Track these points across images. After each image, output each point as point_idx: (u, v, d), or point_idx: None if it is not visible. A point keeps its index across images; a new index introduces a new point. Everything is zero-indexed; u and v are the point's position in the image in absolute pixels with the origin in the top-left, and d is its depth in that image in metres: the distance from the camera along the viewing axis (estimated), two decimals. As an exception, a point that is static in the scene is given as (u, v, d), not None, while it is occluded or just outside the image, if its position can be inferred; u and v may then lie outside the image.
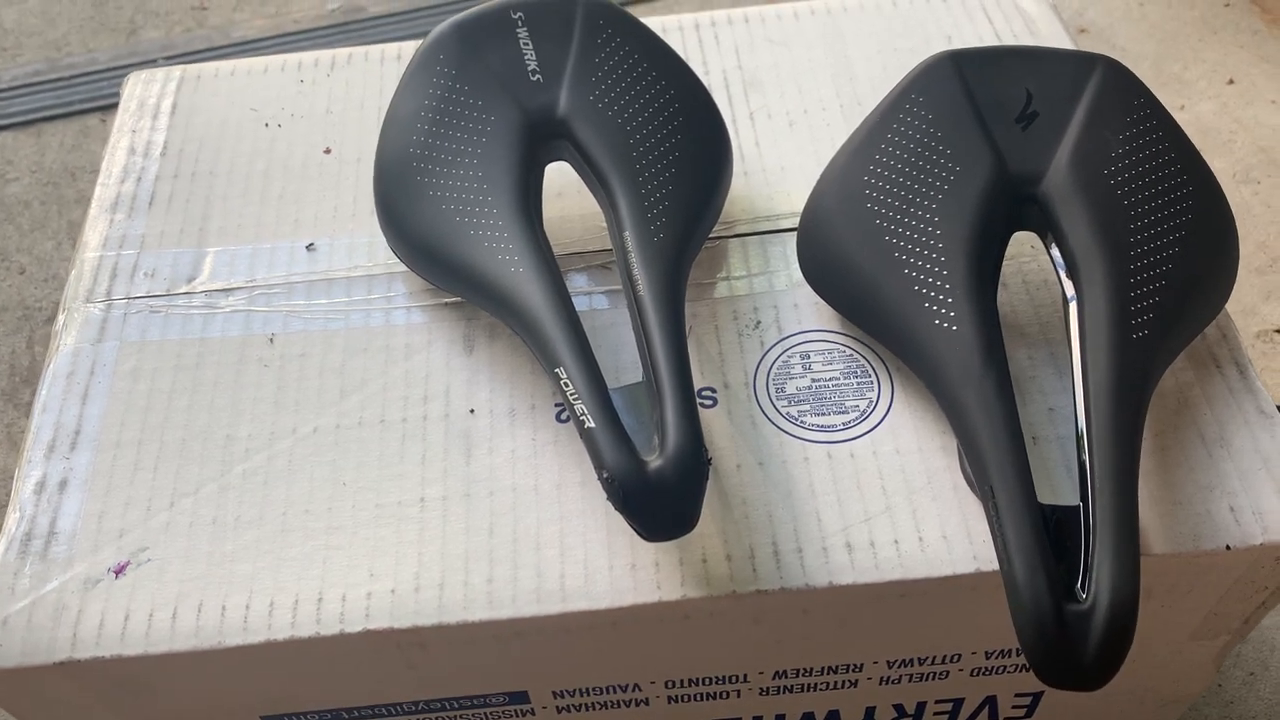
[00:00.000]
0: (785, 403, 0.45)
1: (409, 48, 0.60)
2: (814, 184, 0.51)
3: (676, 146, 0.47)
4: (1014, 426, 0.39)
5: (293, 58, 0.60)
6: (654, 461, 0.39)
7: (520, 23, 0.49)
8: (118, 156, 0.56)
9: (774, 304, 0.48)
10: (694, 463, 0.39)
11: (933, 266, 0.43)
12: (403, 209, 0.47)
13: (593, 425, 0.39)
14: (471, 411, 0.46)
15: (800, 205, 0.51)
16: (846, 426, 0.44)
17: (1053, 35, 0.58)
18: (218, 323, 0.49)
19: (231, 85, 0.58)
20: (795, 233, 0.50)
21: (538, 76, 0.48)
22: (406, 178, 0.47)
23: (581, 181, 0.48)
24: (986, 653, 0.46)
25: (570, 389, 0.40)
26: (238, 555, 0.42)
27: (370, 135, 0.56)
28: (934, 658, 0.47)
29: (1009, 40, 0.58)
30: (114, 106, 1.15)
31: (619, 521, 0.42)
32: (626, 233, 0.44)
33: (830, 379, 0.46)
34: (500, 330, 0.48)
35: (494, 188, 0.45)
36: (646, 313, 0.42)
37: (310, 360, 0.48)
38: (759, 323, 0.48)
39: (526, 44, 0.48)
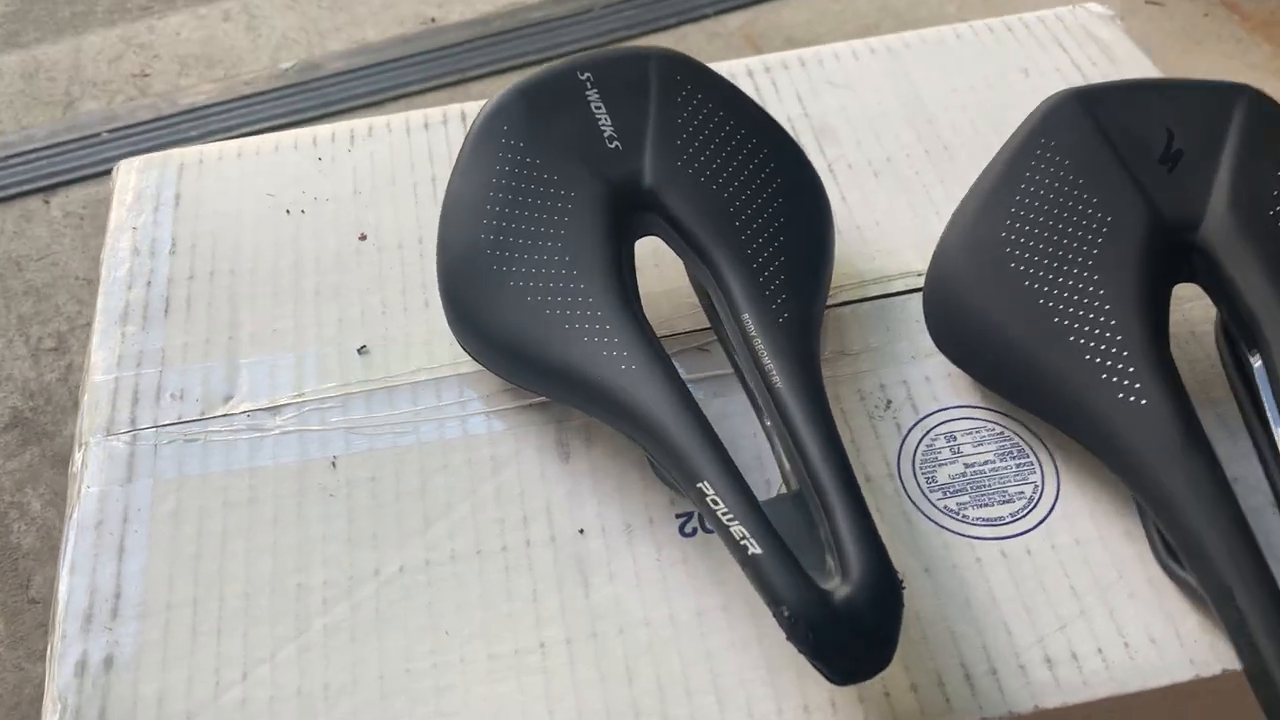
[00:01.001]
0: (940, 494, 0.40)
1: (436, 114, 0.54)
2: (925, 240, 0.46)
3: (781, 211, 0.42)
4: (1236, 511, 0.35)
5: (305, 133, 0.53)
6: (838, 589, 0.33)
7: (590, 84, 0.43)
8: (120, 257, 0.48)
9: (902, 379, 0.43)
10: (888, 586, 0.33)
11: (1103, 332, 0.38)
12: (477, 303, 0.41)
13: (758, 551, 0.33)
14: (581, 532, 0.40)
15: (909, 263, 0.46)
16: (1015, 518, 0.39)
17: (1133, 61, 0.54)
18: (267, 447, 0.42)
19: (240, 168, 0.52)
20: (911, 296, 0.45)
21: (616, 143, 0.42)
22: (479, 267, 0.40)
23: (661, 253, 0.42)
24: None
25: (721, 507, 0.34)
26: (333, 733, 0.36)
27: (407, 215, 0.49)
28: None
29: (1089, 69, 0.54)
30: (57, 186, 1.07)
31: (779, 653, 0.36)
32: (745, 315, 0.39)
33: (985, 463, 0.40)
34: (597, 432, 0.42)
35: (585, 273, 0.39)
36: (789, 410, 0.37)
37: (383, 484, 0.41)
38: (889, 402, 0.42)
39: (599, 107, 0.43)
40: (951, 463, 0.40)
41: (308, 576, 0.39)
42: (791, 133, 0.51)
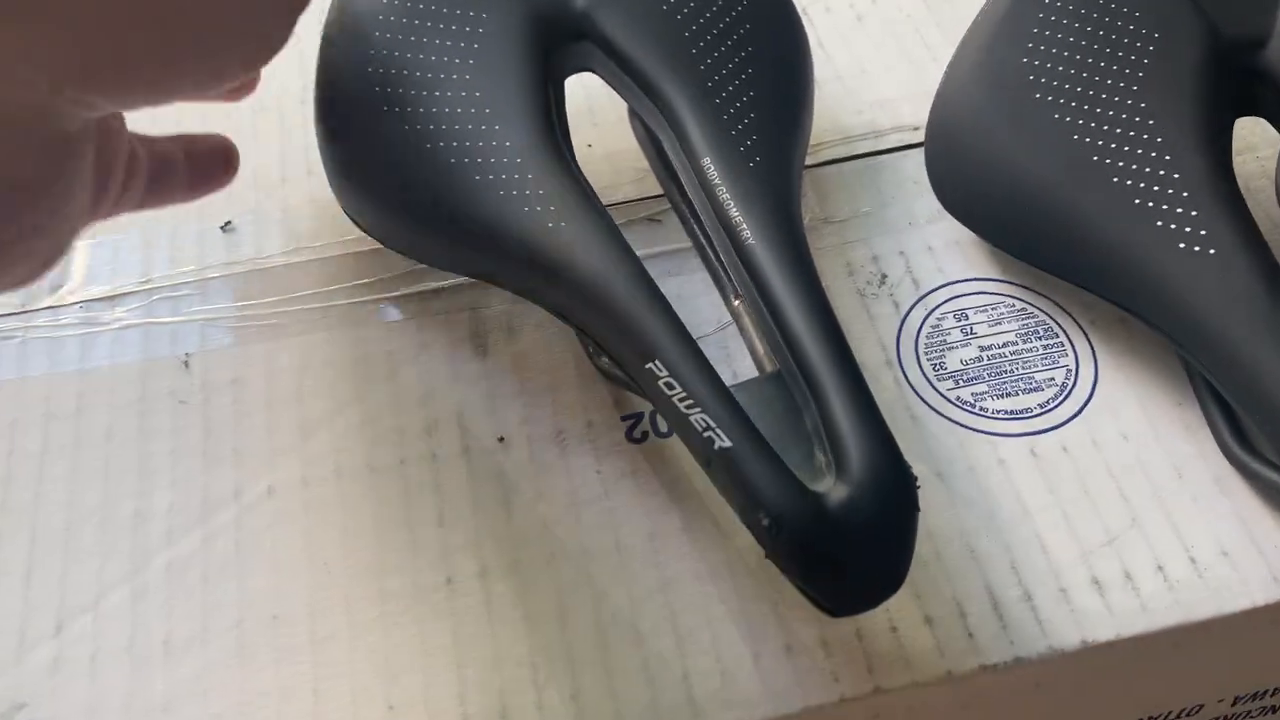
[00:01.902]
0: (951, 384, 0.32)
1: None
2: (921, 91, 0.38)
3: (748, 37, 0.33)
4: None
5: None
6: (832, 490, 0.25)
7: None
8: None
9: (899, 249, 0.35)
10: (897, 483, 0.25)
11: (1156, 169, 0.30)
12: (364, 156, 0.32)
13: (727, 444, 0.25)
14: (501, 440, 0.31)
15: (902, 116, 0.38)
16: (1045, 409, 0.31)
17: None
18: (103, 345, 0.33)
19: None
20: (907, 153, 0.37)
21: None
22: (367, 107, 0.32)
23: (600, 108, 0.33)
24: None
25: (677, 391, 0.26)
26: (174, 698, 0.27)
27: (292, 62, 0.40)
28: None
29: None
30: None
31: (755, 582, 0.28)
32: (707, 160, 0.30)
33: (1005, 344, 0.32)
34: (522, 320, 0.34)
35: (502, 112, 0.31)
36: (763, 271, 0.28)
37: (249, 388, 0.32)
38: (884, 277, 0.34)
39: None
40: (963, 345, 0.32)
41: (148, 502, 0.30)
42: (756, -25, 0.43)
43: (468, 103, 0.31)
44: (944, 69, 0.37)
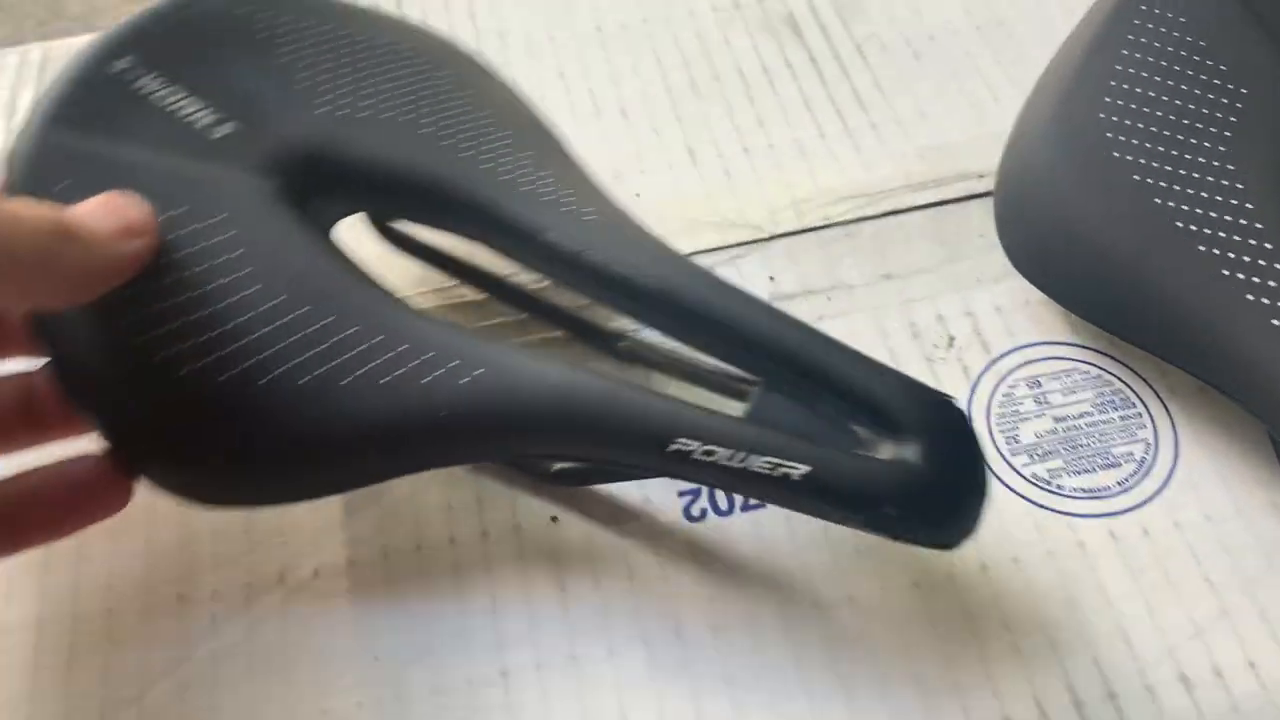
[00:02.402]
0: (1025, 459, 0.30)
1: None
2: (984, 134, 0.36)
3: (469, 102, 0.30)
4: None
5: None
6: (908, 451, 0.24)
7: (137, 71, 0.27)
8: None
9: (966, 309, 0.33)
10: (946, 415, 0.25)
11: (1246, 237, 0.28)
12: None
13: (805, 468, 0.24)
14: (554, 520, 0.30)
15: (965, 162, 0.36)
16: (1124, 488, 0.30)
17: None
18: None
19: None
20: (972, 203, 0.36)
21: (225, 125, 0.27)
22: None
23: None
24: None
25: (722, 453, 0.24)
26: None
27: None
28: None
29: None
30: None
31: (826, 678, 0.27)
32: (550, 234, 0.27)
33: (1081, 415, 0.31)
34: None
35: (310, 294, 0.25)
36: (687, 297, 0.26)
37: (293, 461, 0.31)
38: (951, 339, 0.33)
39: (170, 93, 0.27)
40: (1037, 417, 0.31)
41: (190, 587, 0.29)
42: (809, 8, 0.41)
43: (251, 307, 0.25)
44: (1006, 109, 0.35)
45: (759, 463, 0.24)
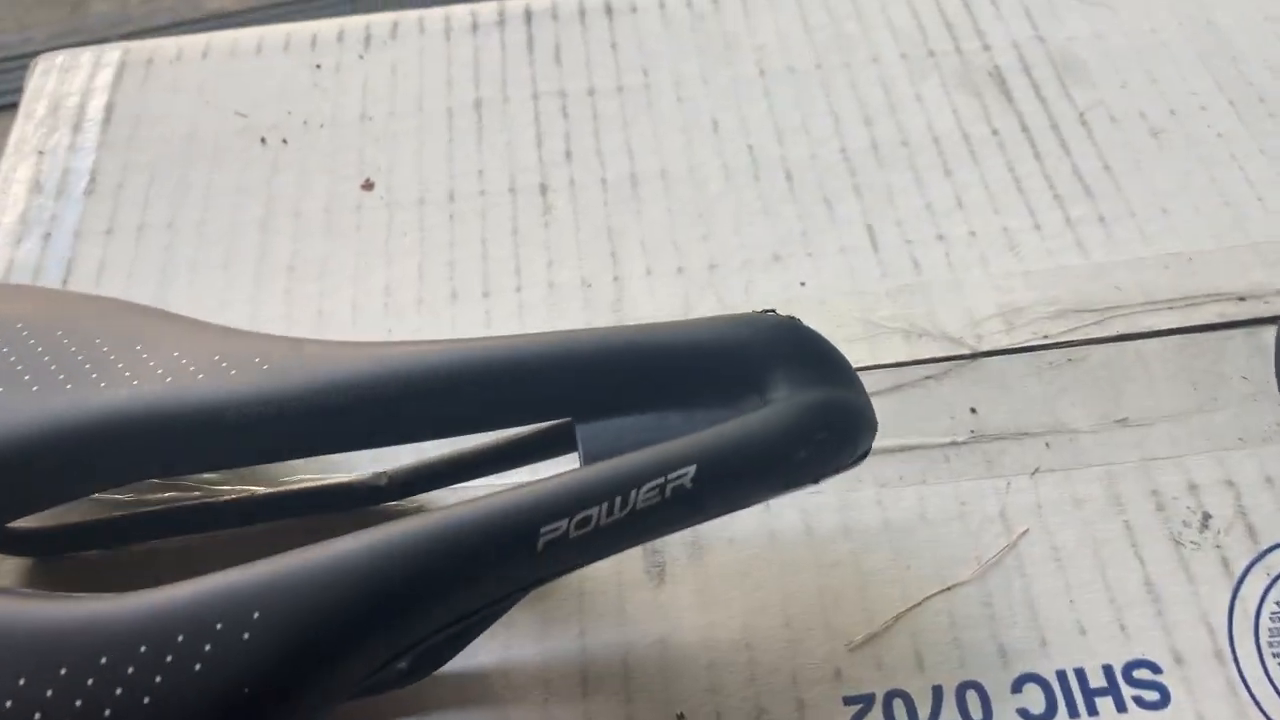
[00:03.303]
0: (1312, 698, 0.23)
1: (488, 9, 0.37)
2: (1247, 240, 0.29)
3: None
4: None
5: (301, 28, 0.37)
6: (779, 399, 0.21)
7: None
8: (13, 197, 0.33)
9: (1226, 476, 0.26)
10: (773, 328, 0.22)
11: None
12: None
13: (688, 470, 0.19)
14: (680, 717, 0.23)
15: (1219, 279, 0.29)
16: None
17: None
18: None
19: (201, 75, 0.36)
20: (1232, 333, 0.28)
21: None
22: None
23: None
24: None
25: (592, 510, 0.19)
26: None
27: (435, 156, 0.33)
28: None
29: None
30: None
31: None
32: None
33: (1386, 643, 0.24)
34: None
35: None
36: (392, 397, 0.21)
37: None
38: (1207, 518, 0.25)
39: None
40: (1327, 638, 0.24)
41: None
42: (1020, 65, 0.34)
43: None
44: (1274, 213, 0.28)
45: (643, 495, 0.19)
